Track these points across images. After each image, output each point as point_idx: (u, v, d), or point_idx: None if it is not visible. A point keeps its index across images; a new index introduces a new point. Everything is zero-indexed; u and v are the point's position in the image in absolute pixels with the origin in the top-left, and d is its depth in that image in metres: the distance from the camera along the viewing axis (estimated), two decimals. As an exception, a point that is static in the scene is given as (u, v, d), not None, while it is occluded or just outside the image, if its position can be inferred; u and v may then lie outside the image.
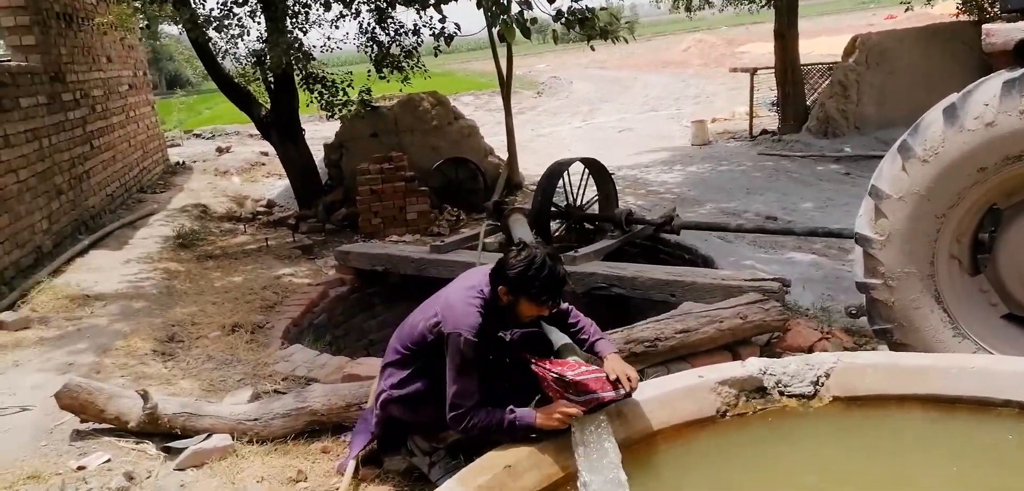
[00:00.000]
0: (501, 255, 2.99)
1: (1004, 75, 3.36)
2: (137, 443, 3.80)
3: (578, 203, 7.05)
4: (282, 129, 9.40)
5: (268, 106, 9.48)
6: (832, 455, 2.81)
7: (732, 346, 4.08)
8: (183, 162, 13.48)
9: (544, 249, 2.82)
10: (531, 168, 10.74)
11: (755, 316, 4.09)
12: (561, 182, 6.84)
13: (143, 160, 11.24)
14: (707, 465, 2.78)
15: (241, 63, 10.05)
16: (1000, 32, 3.50)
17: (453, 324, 2.77)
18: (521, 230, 5.82)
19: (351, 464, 3.25)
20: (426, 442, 3.21)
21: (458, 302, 2.82)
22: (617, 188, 7.46)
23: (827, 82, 13.35)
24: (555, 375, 2.74)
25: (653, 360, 3.91)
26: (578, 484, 2.48)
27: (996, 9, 11.91)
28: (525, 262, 2.75)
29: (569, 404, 2.65)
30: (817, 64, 15.26)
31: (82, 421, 3.87)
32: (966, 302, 3.71)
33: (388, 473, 3.35)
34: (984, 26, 3.59)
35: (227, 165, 13.20)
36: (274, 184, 11.65)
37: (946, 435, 2.81)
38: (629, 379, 2.72)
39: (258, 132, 10.18)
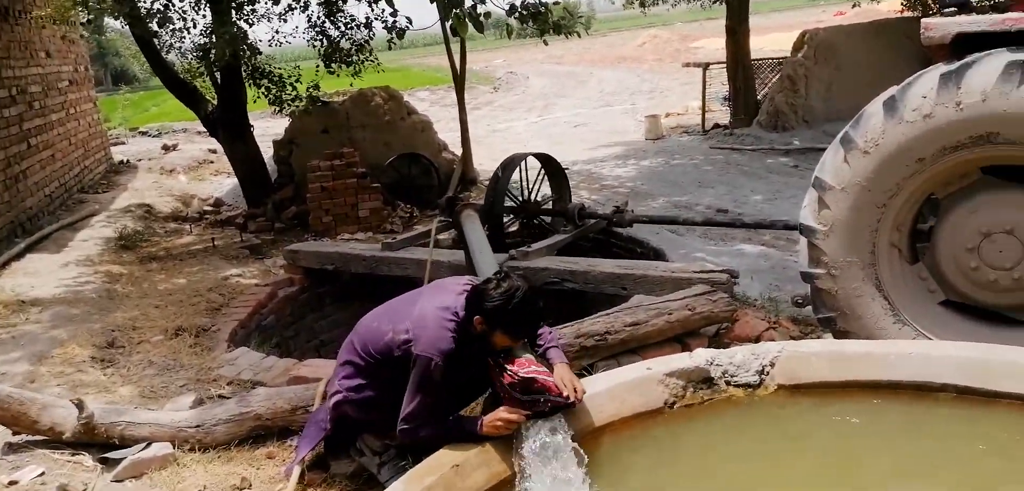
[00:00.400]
0: (476, 282, 2.91)
1: (941, 68, 3.44)
2: (73, 455, 3.65)
3: (531, 198, 7.04)
4: (229, 126, 9.18)
5: (215, 102, 9.24)
6: (775, 442, 2.84)
7: (682, 338, 4.10)
8: (127, 161, 13.08)
9: (523, 283, 2.75)
10: (486, 164, 10.69)
11: (703, 308, 4.13)
12: (515, 178, 6.81)
13: (84, 159, 10.86)
14: (654, 456, 2.79)
15: (186, 58, 9.77)
16: (938, 26, 3.59)
17: (425, 346, 2.69)
18: (473, 227, 5.77)
19: (296, 470, 3.17)
20: (377, 441, 3.15)
21: (432, 323, 2.72)
22: (572, 183, 7.47)
23: (777, 77, 13.61)
24: (508, 372, 2.71)
25: (603, 353, 3.91)
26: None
27: (937, 5, 12.27)
28: (505, 296, 2.67)
29: (512, 410, 2.64)
30: (768, 59, 15.54)
31: (14, 433, 3.70)
32: (906, 289, 3.80)
33: (335, 477, 3.27)
34: (923, 20, 3.66)
35: (173, 163, 12.84)
36: (222, 182, 11.38)
37: (886, 419, 2.87)
38: (575, 390, 2.71)
39: (206, 129, 9.92)
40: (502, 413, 2.65)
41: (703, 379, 3.02)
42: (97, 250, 7.53)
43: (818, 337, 4.25)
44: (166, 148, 14.98)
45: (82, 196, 10.04)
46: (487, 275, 4.63)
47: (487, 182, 7.04)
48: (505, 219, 7.02)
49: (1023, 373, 2.77)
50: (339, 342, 3.13)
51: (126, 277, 6.73)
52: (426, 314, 2.76)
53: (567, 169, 7.58)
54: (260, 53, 9.09)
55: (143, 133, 19.27)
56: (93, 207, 9.31)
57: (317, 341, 6.44)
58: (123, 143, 16.69)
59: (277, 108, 9.36)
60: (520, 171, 6.84)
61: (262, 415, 3.61)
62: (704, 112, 14.60)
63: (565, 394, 2.67)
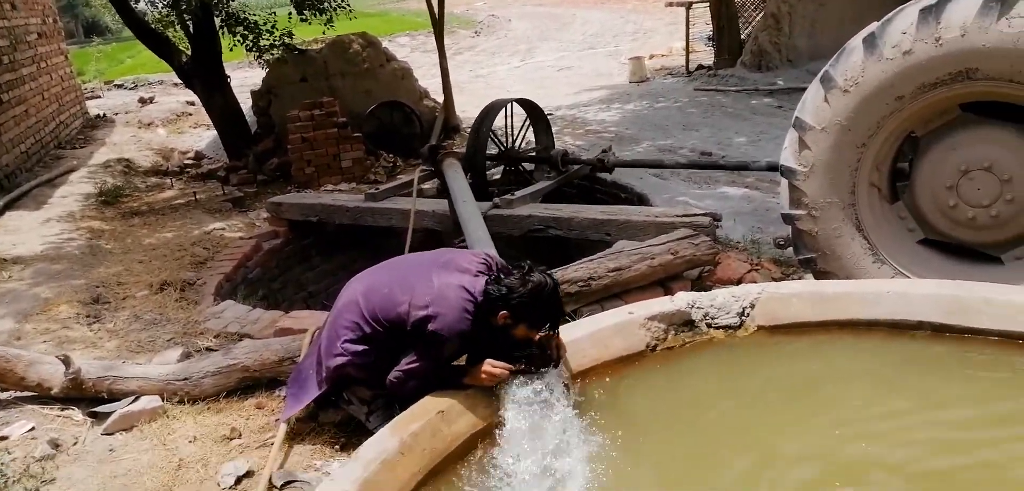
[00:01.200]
0: (490, 260, 2.90)
1: (921, 2, 3.41)
2: (62, 409, 3.68)
3: (514, 145, 7.00)
4: (205, 76, 9.00)
5: (189, 52, 9.05)
6: (754, 380, 2.90)
7: (664, 282, 4.14)
8: (104, 114, 12.83)
9: (549, 279, 2.74)
10: (469, 110, 10.58)
11: (686, 251, 4.16)
12: (498, 124, 6.76)
13: (59, 114, 10.64)
14: (636, 396, 2.85)
15: (156, 6, 9.52)
16: (919, -40, 3.55)
17: (444, 326, 2.69)
18: (456, 175, 5.75)
19: (282, 427, 3.20)
20: (367, 391, 3.18)
21: (454, 305, 2.69)
22: (555, 128, 7.42)
23: (760, 15, 13.48)
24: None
25: (587, 299, 3.95)
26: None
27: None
28: (532, 293, 2.67)
29: (495, 363, 2.68)
30: (751, -3, 15.40)
31: (2, 390, 3.72)
32: (885, 229, 3.85)
33: (323, 425, 3.32)
34: (905, -46, 3.63)
35: (151, 116, 12.62)
36: (202, 135, 11.21)
37: (863, 357, 2.93)
38: (558, 348, 2.77)
39: (182, 81, 9.73)
40: (486, 366, 2.68)
41: (684, 322, 3.06)
42: (78, 206, 7.43)
43: (799, 278, 4.31)
44: (143, 101, 14.70)
45: (59, 152, 9.86)
46: (471, 226, 4.67)
47: (470, 129, 6.99)
48: (488, 167, 7.00)
49: (998, 309, 2.83)
50: (327, 293, 3.12)
51: (108, 233, 6.67)
52: (447, 294, 2.72)
53: (550, 114, 7.53)
54: (234, 0, 8.87)
55: (118, 86, 18.87)
56: (71, 163, 9.16)
57: (305, 293, 6.44)
58: (98, 97, 16.34)
59: (255, 55, 9.17)
60: (503, 118, 6.79)
61: (250, 367, 3.64)
62: (688, 53, 14.49)
63: (548, 351, 2.72)
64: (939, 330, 2.91)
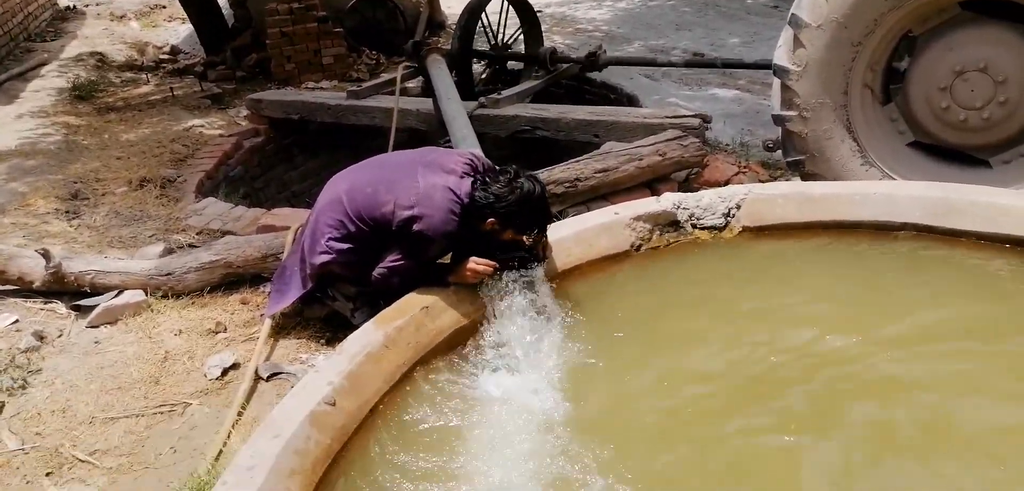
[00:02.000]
0: (475, 161, 2.85)
1: None
2: (45, 303, 3.67)
3: (501, 43, 6.82)
4: (180, -34, 8.62)
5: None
6: (736, 277, 2.92)
7: (652, 183, 4.12)
8: (74, 6, 12.31)
9: (536, 184, 2.70)
10: (454, 6, 10.25)
11: (674, 153, 4.12)
12: (484, 21, 6.56)
13: (27, 4, 10.18)
14: (619, 291, 2.87)
15: None
16: None
17: (430, 226, 2.66)
18: (441, 73, 5.60)
19: (267, 322, 3.21)
20: (351, 288, 3.18)
21: (440, 205, 2.66)
22: (544, 26, 7.22)
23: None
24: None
25: (574, 200, 3.93)
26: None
27: None
28: (520, 200, 2.64)
29: (479, 260, 2.67)
30: None
31: (-19, 284, 3.69)
32: (876, 131, 3.82)
33: (308, 321, 3.33)
34: None
35: (124, 8, 12.12)
36: (177, 29, 10.80)
37: (846, 257, 2.95)
38: (543, 245, 2.77)
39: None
40: (471, 264, 2.68)
41: (670, 222, 3.06)
42: (51, 101, 7.22)
43: (787, 180, 4.30)
44: (115, -8, 14.10)
45: (29, 45, 9.51)
46: (457, 126, 4.57)
47: (456, 25, 6.78)
48: (474, 65, 6.83)
49: (982, 211, 2.84)
50: (311, 192, 3.07)
51: (84, 128, 6.50)
52: (433, 195, 2.68)
53: (539, 11, 7.30)
54: None
55: (89, -24, 18.05)
56: (42, 56, 8.85)
57: (288, 193, 6.36)
58: (69, -13, 15.64)
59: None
60: (489, 14, 6.59)
61: (233, 262, 3.61)
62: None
63: (529, 244, 2.72)
64: (922, 231, 2.92)
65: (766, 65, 3.97)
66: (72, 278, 3.61)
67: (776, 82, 3.81)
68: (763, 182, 4.34)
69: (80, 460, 2.65)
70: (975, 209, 2.86)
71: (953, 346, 2.51)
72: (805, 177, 3.90)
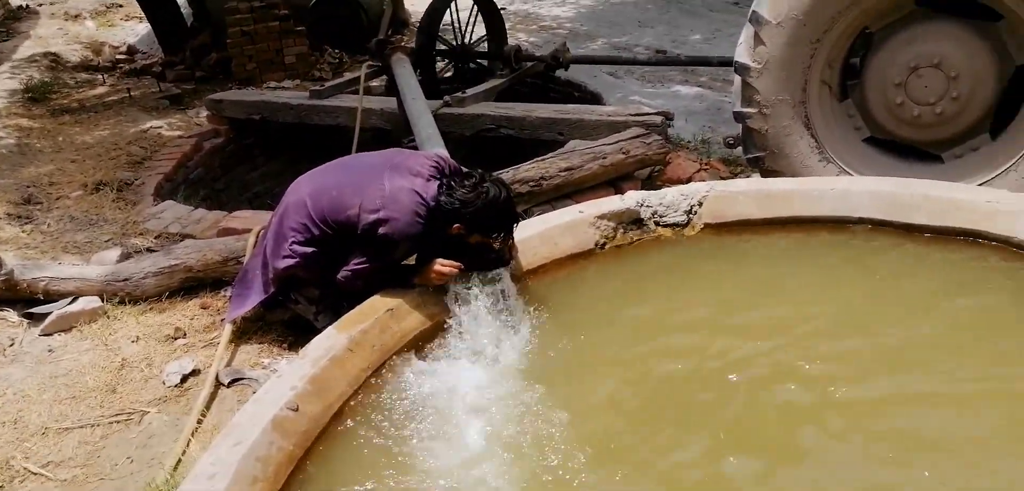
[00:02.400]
0: (441, 162, 2.83)
1: None
2: (-3, 311, 3.56)
3: (465, 41, 6.79)
4: (137, -36, 8.42)
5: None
6: (698, 274, 2.96)
7: (616, 181, 4.14)
8: (27, 5, 11.96)
9: (501, 188, 2.69)
10: (418, 3, 10.20)
11: (637, 151, 4.15)
12: (448, 20, 6.53)
13: (-24, 2, 9.90)
14: (583, 289, 2.89)
15: None
16: None
17: (395, 230, 2.64)
18: (405, 72, 5.56)
19: (228, 327, 3.15)
20: (314, 291, 3.14)
21: (406, 208, 2.64)
22: (508, 24, 7.21)
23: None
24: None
25: (539, 199, 3.93)
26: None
27: None
28: (486, 205, 2.63)
29: (445, 262, 2.66)
30: None
31: (-73, 293, 3.56)
32: (833, 127, 3.89)
33: (271, 324, 3.28)
34: None
35: (79, 8, 11.80)
36: (135, 28, 10.56)
37: (804, 252, 3.00)
38: (510, 249, 2.78)
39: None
40: (436, 266, 2.67)
41: (633, 220, 3.08)
42: (2, 104, 7.00)
43: (747, 177, 4.36)
44: (69, -10, 13.73)
45: (-21, 44, 9.23)
46: (421, 125, 4.55)
47: (419, 23, 6.74)
48: (439, 63, 6.79)
49: (934, 205, 2.92)
50: (273, 194, 3.03)
51: (38, 131, 6.32)
52: (400, 198, 2.66)
53: (503, 9, 7.30)
54: None
55: (42, -27, 17.56)
56: (-8, 56, 8.59)
57: (250, 194, 6.25)
58: (20, -15, 15.20)
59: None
60: (453, 12, 6.56)
61: (193, 266, 3.55)
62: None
63: (497, 248, 2.72)
64: (879, 225, 2.99)
65: (730, 62, 4.01)
66: (25, 285, 3.51)
67: (737, 79, 3.87)
68: (724, 179, 4.40)
69: (32, 472, 2.57)
70: (927, 203, 2.93)
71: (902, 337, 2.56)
72: (765, 173, 3.96)
